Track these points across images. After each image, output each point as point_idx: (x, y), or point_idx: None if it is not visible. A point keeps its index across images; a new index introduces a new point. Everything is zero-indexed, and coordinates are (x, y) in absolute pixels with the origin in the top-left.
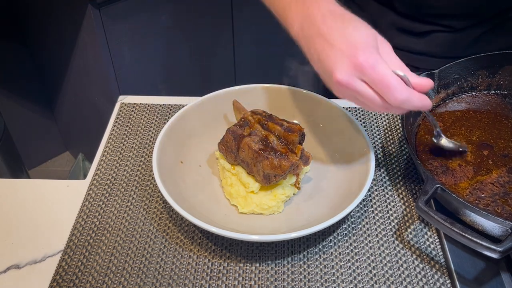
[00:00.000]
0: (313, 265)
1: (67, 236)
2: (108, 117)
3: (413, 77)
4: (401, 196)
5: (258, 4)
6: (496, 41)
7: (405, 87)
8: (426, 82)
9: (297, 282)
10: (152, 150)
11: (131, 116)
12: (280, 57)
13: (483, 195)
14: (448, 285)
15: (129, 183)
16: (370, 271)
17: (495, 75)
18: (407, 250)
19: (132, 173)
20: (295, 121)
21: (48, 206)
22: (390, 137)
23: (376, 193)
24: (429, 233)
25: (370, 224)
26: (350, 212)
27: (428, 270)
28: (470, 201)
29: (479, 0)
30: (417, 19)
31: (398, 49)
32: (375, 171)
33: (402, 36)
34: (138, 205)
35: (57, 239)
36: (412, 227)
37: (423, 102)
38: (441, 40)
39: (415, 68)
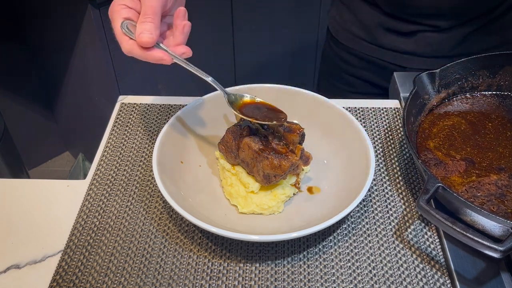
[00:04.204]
0: (313, 265)
1: (67, 236)
2: (108, 117)
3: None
4: (401, 196)
5: (258, 4)
6: (483, 41)
7: (126, 42)
8: (146, 39)
9: (297, 282)
10: (152, 150)
11: (131, 116)
12: (280, 57)
13: (478, 194)
14: (448, 285)
15: (129, 183)
16: (370, 271)
17: (495, 76)
18: (407, 250)
19: (132, 173)
20: (295, 121)
21: (48, 206)
22: (390, 137)
23: (376, 193)
24: (429, 233)
25: (370, 224)
26: (350, 212)
27: (428, 270)
28: (465, 198)
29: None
30: (403, 19)
31: (387, 49)
32: (375, 171)
33: (389, 36)
34: (138, 205)
35: (57, 239)
36: (412, 227)
37: (149, 57)
38: (428, 39)
39: (402, 68)
